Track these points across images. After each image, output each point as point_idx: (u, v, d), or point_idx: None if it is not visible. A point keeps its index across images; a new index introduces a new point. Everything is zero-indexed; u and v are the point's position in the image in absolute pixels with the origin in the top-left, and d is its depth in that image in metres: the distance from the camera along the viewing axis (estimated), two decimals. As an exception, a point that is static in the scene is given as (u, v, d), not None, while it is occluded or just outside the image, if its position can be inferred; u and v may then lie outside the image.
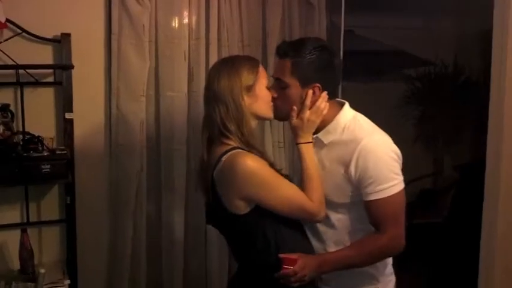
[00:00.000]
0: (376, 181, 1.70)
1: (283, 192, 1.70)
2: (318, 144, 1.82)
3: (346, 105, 1.84)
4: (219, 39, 2.87)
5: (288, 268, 1.66)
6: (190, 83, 2.83)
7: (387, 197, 1.71)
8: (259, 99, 1.77)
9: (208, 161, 1.75)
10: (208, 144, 1.77)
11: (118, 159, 2.76)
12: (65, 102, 2.60)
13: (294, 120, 1.77)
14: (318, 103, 1.76)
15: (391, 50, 4.53)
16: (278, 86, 1.80)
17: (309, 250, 1.80)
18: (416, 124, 5.12)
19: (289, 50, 1.77)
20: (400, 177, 1.75)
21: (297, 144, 1.78)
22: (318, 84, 1.76)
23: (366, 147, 1.71)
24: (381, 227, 1.74)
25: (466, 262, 3.51)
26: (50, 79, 2.66)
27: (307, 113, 1.76)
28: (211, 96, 1.75)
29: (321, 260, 1.75)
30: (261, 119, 1.86)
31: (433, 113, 5.05)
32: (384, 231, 1.73)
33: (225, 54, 2.89)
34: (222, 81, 1.73)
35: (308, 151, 1.76)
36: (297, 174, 1.85)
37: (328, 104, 1.78)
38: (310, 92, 1.76)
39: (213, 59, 2.84)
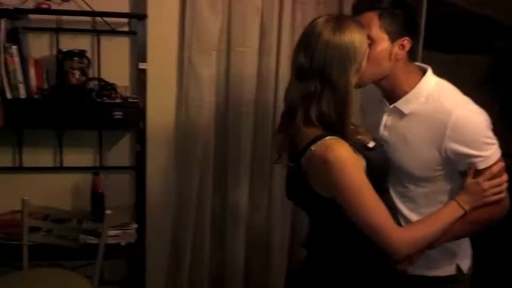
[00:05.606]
0: (475, 153, 1.57)
1: (366, 202, 1.45)
2: (396, 114, 1.66)
3: (429, 71, 1.67)
4: (293, -6, 2.81)
5: None
6: (262, 39, 2.81)
7: (488, 166, 1.58)
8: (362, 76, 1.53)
9: (297, 145, 1.54)
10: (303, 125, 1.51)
11: (188, 111, 2.79)
12: (139, 52, 2.66)
13: (472, 182, 1.58)
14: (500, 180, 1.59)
15: (480, 15, 4.21)
16: None
17: None
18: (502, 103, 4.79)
19: (373, 1, 1.59)
20: (497, 143, 1.61)
21: (456, 201, 1.60)
22: (407, 38, 1.59)
23: (460, 119, 1.55)
24: None
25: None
26: (126, 28, 2.73)
27: (486, 183, 1.57)
28: (315, 71, 1.47)
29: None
30: None
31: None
32: None
33: (299, 10, 2.82)
34: (334, 58, 1.45)
35: (454, 213, 1.58)
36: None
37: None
38: None
39: (287, 16, 2.79)
